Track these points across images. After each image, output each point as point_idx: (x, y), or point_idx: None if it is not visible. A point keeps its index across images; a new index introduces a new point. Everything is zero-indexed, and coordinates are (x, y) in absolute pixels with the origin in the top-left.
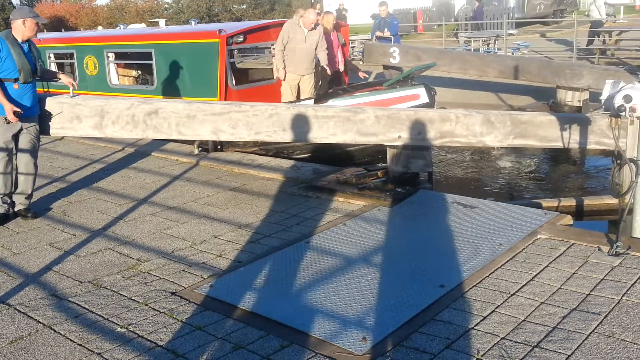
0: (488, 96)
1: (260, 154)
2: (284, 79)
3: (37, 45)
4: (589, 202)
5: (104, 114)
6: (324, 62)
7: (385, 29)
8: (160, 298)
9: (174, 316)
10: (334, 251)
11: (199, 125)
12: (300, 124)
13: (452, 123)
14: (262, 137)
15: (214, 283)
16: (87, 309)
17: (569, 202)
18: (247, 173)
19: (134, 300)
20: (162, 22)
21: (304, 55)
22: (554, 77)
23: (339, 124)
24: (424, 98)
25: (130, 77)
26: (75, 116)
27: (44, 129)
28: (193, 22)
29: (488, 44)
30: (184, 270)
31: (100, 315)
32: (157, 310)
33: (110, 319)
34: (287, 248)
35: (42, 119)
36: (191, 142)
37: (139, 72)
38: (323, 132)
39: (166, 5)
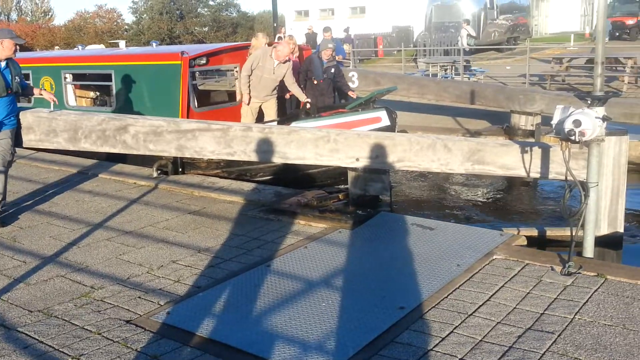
0: (446, 120)
1: (222, 177)
2: (248, 104)
3: None
4: (551, 233)
5: (77, 129)
6: (301, 97)
7: (340, 55)
8: (114, 327)
9: (129, 345)
10: (295, 274)
11: (165, 141)
12: (262, 144)
13: (410, 147)
14: (224, 156)
15: (171, 310)
16: (37, 339)
17: (530, 232)
18: (208, 196)
19: (87, 329)
20: (122, 43)
21: (268, 85)
22: (508, 102)
23: (300, 145)
24: (386, 121)
25: (88, 98)
26: (52, 130)
27: (18, 142)
28: (154, 44)
29: (445, 70)
30: (139, 297)
31: (50, 346)
32: (111, 340)
33: (61, 349)
34: (248, 272)
35: (18, 132)
36: (150, 165)
37: (97, 93)
38: (284, 153)
39: (126, 27)
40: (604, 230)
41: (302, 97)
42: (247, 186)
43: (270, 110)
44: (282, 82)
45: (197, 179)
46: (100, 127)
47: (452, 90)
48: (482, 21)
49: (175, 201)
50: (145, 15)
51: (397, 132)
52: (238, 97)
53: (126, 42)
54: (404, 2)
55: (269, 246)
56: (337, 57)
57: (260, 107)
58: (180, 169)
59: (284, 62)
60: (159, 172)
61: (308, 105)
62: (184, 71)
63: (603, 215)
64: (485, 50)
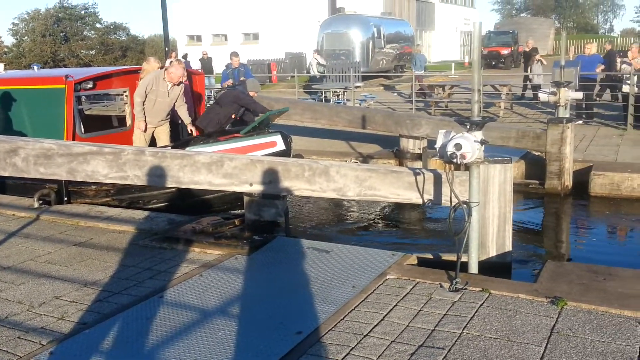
0: (339, 144)
1: (112, 206)
2: (145, 131)
3: None
4: (446, 258)
5: None
6: (187, 120)
7: (231, 80)
8: None
9: None
10: (190, 304)
11: (56, 165)
12: (156, 168)
13: (302, 173)
14: (118, 180)
15: (54, 349)
16: None
17: (426, 256)
18: (96, 226)
19: None
20: (0, 66)
21: (163, 108)
22: (397, 127)
23: (194, 169)
24: (281, 145)
25: None
26: None
27: None
28: (36, 67)
29: (338, 95)
30: (19, 338)
31: None
32: None
33: None
34: (139, 305)
35: None
36: (31, 195)
37: None
38: (178, 178)
39: (5, 49)
40: (493, 255)
41: (187, 121)
42: (139, 214)
43: (164, 135)
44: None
45: (84, 208)
46: None
47: (345, 115)
48: (370, 49)
49: (59, 232)
50: (26, 37)
51: (293, 156)
52: (128, 122)
53: (5, 66)
54: (296, 29)
55: (162, 276)
56: (228, 83)
57: (153, 132)
58: (66, 198)
59: (178, 84)
60: (40, 202)
61: (190, 128)
62: (68, 95)
63: (491, 241)
64: (374, 77)
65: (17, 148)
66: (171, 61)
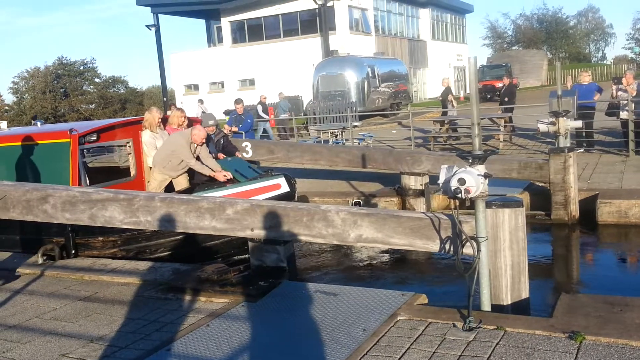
0: (341, 184)
1: (117, 257)
2: (229, 178)
3: None
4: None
5: (7, 199)
6: (216, 167)
7: (240, 125)
8: None
9: None
10: (198, 356)
11: (80, 211)
12: (165, 213)
13: (302, 218)
14: (132, 225)
15: None
16: None
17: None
18: (100, 280)
19: None
20: (3, 124)
21: (185, 167)
22: (397, 164)
23: (199, 214)
24: (285, 187)
25: None
26: None
27: None
28: (39, 123)
29: (336, 136)
30: None
31: None
32: None
33: None
34: (147, 359)
35: None
36: (35, 251)
37: None
38: (185, 223)
39: (7, 107)
40: (509, 311)
41: (217, 170)
42: (143, 265)
43: (183, 180)
44: None
45: (88, 262)
46: (24, 197)
47: (344, 155)
48: (365, 89)
49: (64, 288)
50: (27, 95)
51: (297, 199)
52: (132, 172)
53: (7, 123)
54: (291, 73)
55: (169, 328)
56: (232, 129)
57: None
58: (74, 251)
59: (201, 145)
60: (44, 257)
61: (222, 178)
62: (73, 149)
63: (505, 294)
64: (371, 116)
65: (47, 196)
66: (171, 111)
